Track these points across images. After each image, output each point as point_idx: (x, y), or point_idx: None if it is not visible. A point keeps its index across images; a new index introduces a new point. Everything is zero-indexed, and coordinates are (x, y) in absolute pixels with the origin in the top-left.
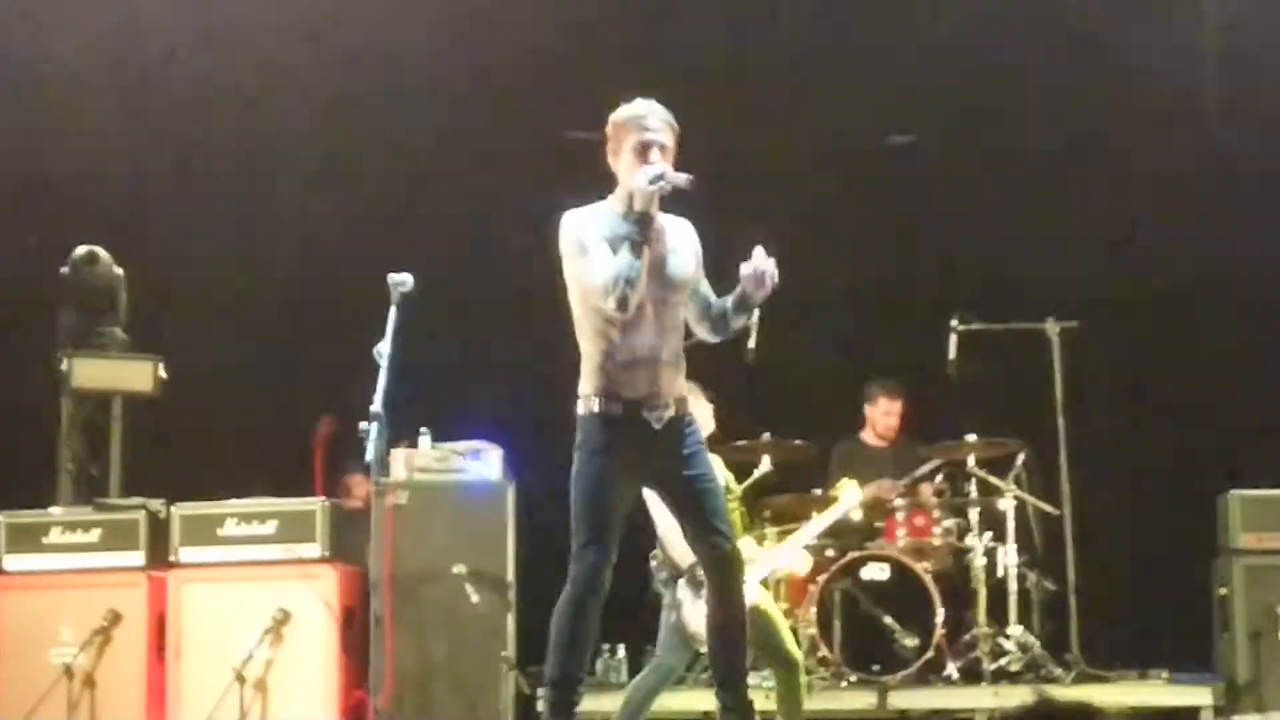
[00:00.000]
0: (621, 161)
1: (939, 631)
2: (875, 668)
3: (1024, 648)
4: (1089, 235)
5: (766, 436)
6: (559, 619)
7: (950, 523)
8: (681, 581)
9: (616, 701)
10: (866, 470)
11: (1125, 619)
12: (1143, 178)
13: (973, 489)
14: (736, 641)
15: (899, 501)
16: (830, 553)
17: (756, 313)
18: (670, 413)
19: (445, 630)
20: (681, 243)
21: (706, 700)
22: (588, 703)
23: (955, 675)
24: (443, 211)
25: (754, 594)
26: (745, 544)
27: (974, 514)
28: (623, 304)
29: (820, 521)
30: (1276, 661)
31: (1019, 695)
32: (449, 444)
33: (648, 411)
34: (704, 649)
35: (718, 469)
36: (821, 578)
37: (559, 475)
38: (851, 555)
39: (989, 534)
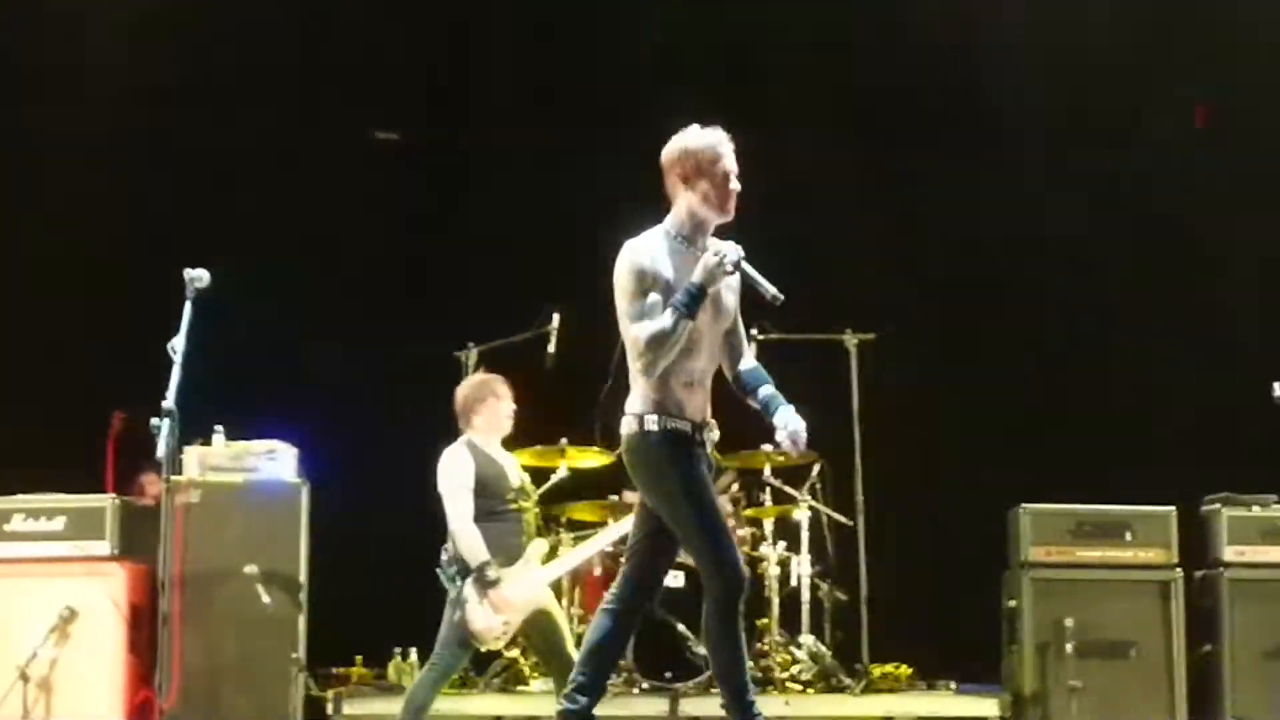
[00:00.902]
0: (696, 189)
1: None
2: (667, 675)
3: (815, 657)
4: (887, 246)
5: (564, 442)
6: (726, 632)
7: (744, 532)
8: (470, 579)
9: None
10: None
11: (917, 630)
12: (939, 192)
13: (768, 498)
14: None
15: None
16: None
17: (556, 317)
18: (715, 438)
19: (235, 630)
20: (731, 278)
21: (499, 705)
22: (377, 705)
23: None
24: (244, 208)
25: (540, 597)
26: (537, 546)
27: (768, 523)
28: (651, 367)
29: (620, 528)
30: (1062, 674)
31: (810, 704)
32: (244, 443)
33: (701, 434)
34: (484, 648)
35: (514, 471)
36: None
37: (354, 476)
38: None
39: (783, 543)
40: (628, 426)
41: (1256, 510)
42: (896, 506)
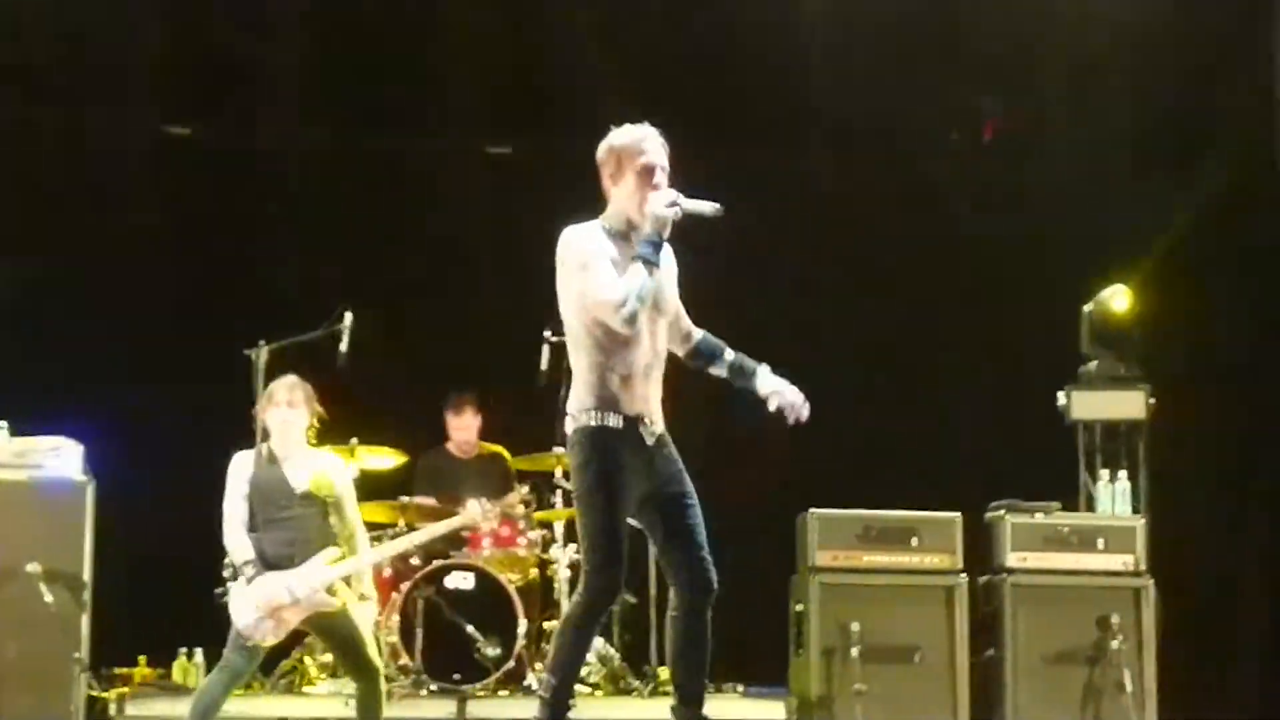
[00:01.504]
0: (622, 186)
1: (521, 642)
2: (456, 677)
3: (604, 660)
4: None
5: (354, 442)
6: (574, 633)
7: (536, 534)
8: (238, 580)
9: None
10: (451, 481)
11: None
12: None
13: (559, 501)
14: (700, 664)
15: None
16: (414, 561)
17: (348, 316)
18: (659, 429)
19: (17, 629)
20: (668, 268)
21: (283, 706)
22: (160, 706)
23: (535, 685)
24: (30, 202)
25: (319, 599)
26: (326, 552)
27: (560, 526)
28: (631, 320)
29: (430, 531)
30: (848, 678)
31: (598, 707)
32: (28, 439)
33: (642, 426)
34: (251, 644)
35: (305, 475)
36: (405, 585)
37: (141, 475)
38: (436, 563)
39: (574, 546)
40: (566, 425)
41: (1039, 517)
42: None
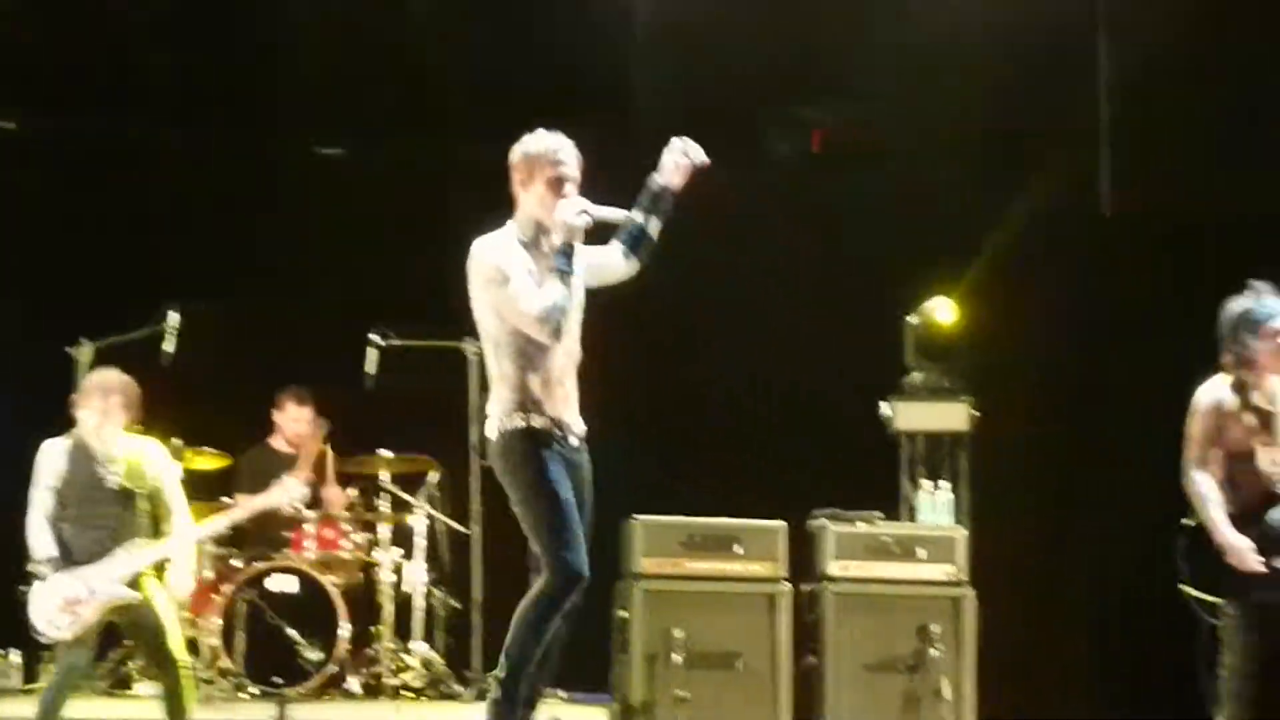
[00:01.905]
0: (532, 193)
1: (343, 645)
2: (277, 680)
3: (426, 664)
4: None
5: (178, 443)
6: (538, 620)
7: (360, 537)
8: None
9: (17, 707)
10: (277, 479)
11: None
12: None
13: (384, 504)
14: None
15: (309, 514)
16: (237, 562)
17: (174, 315)
18: (580, 431)
19: None
20: (579, 268)
21: (103, 708)
22: None
23: (357, 689)
24: None
25: (118, 593)
26: (131, 546)
27: (384, 529)
28: (556, 333)
29: (244, 508)
30: (670, 684)
31: (420, 711)
32: None
33: (564, 430)
34: (44, 639)
35: (118, 470)
36: (227, 587)
37: None
38: (258, 565)
39: (398, 550)
40: (488, 430)
41: (862, 526)
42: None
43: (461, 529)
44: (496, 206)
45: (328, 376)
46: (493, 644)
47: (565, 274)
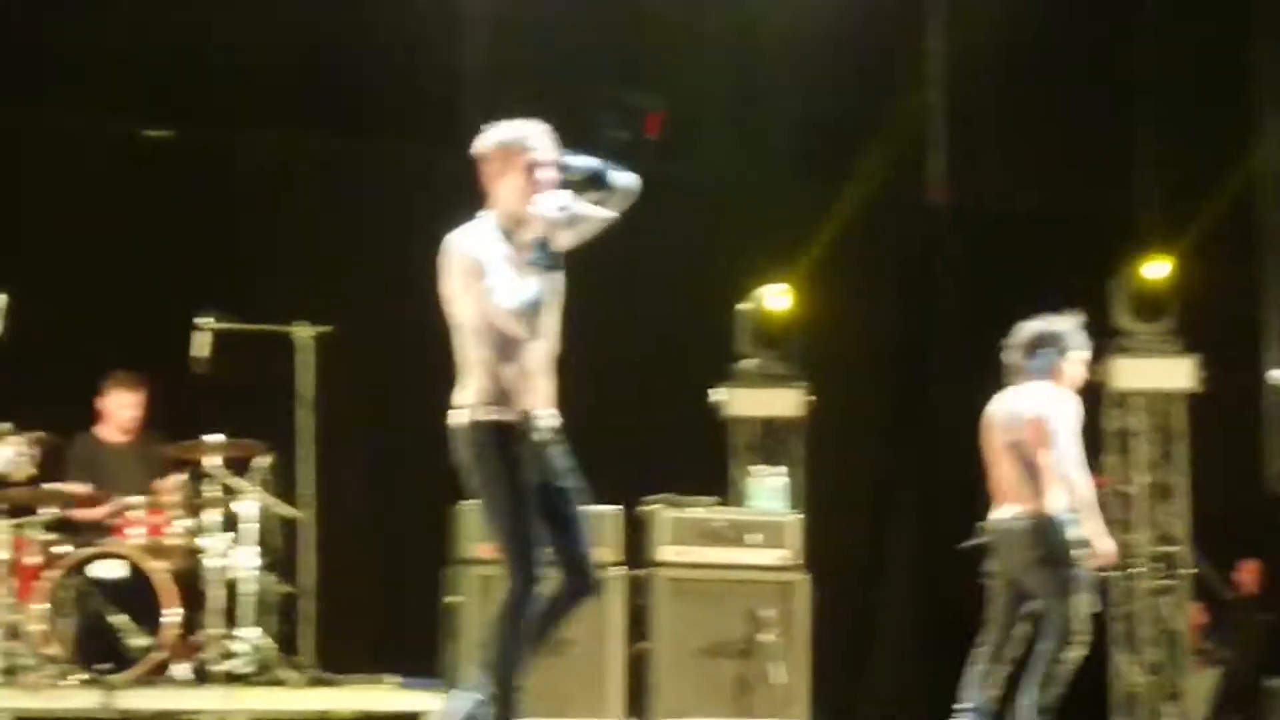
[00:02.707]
0: (507, 183)
1: (171, 631)
2: (104, 667)
3: (255, 649)
4: (344, 238)
5: (7, 426)
6: (511, 629)
7: (189, 522)
8: None
9: None
10: (106, 467)
11: (362, 624)
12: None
13: (214, 489)
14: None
15: (137, 499)
16: (65, 547)
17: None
18: (552, 423)
19: None
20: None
21: None
22: None
23: (185, 676)
24: None
25: None
26: None
27: (213, 514)
28: (531, 328)
29: None
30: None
31: (249, 697)
32: None
33: (535, 420)
34: None
35: None
36: (53, 572)
37: None
38: (84, 550)
39: (228, 535)
40: (453, 419)
41: (695, 512)
42: (344, 500)
43: (292, 513)
44: (333, 194)
45: (157, 361)
46: (323, 629)
47: (542, 269)
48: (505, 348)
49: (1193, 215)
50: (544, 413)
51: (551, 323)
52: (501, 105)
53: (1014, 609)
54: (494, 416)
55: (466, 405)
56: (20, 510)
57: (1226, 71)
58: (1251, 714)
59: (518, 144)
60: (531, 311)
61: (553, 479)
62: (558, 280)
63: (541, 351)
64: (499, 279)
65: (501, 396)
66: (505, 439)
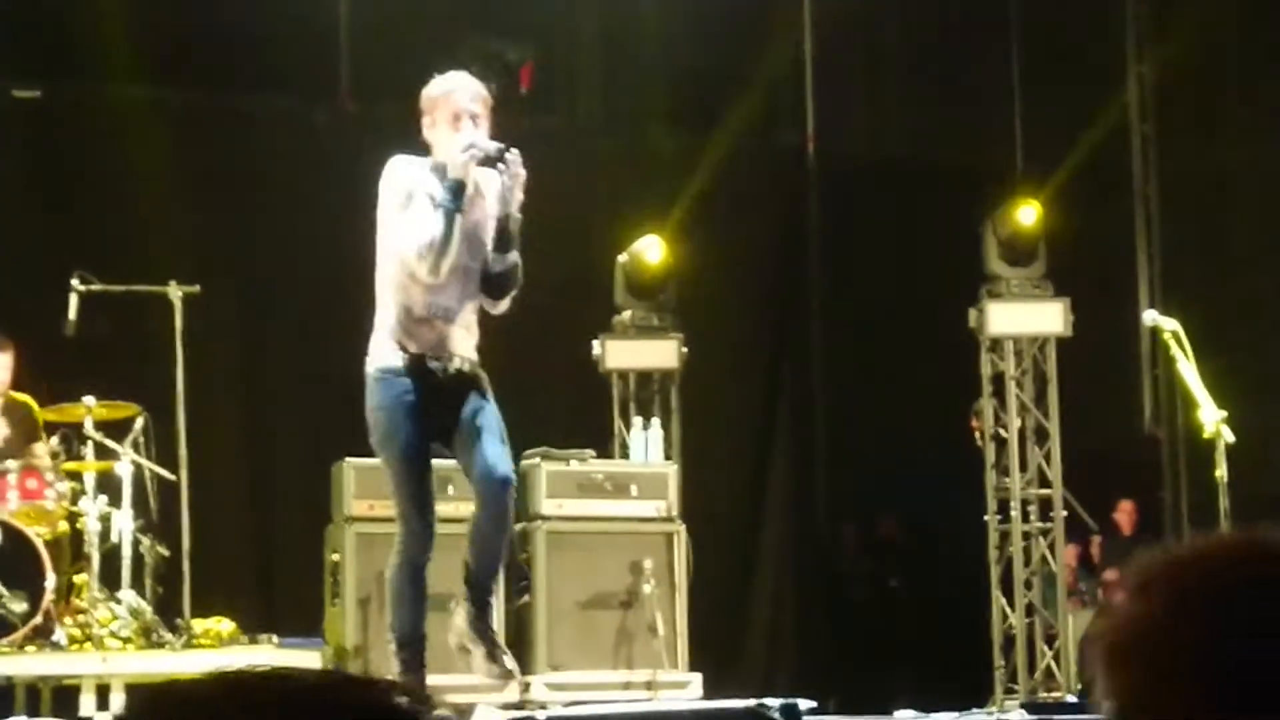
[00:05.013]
0: (436, 132)
1: (49, 596)
2: None
3: (135, 613)
4: (215, 197)
5: None
6: (399, 583)
7: (64, 486)
8: None
9: None
10: None
11: (240, 584)
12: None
13: (89, 452)
14: (491, 551)
15: (11, 463)
16: None
17: None
18: (457, 366)
19: None
20: (494, 210)
21: None
22: None
23: (64, 641)
24: None
25: None
26: None
27: (89, 477)
28: (435, 270)
29: None
30: (384, 628)
31: (129, 661)
32: None
33: (433, 361)
34: None
35: None
36: None
37: None
38: None
39: (104, 498)
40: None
41: (574, 465)
42: (221, 461)
43: (168, 475)
44: (204, 151)
45: (27, 323)
46: (201, 591)
47: (450, 210)
48: (409, 291)
49: (1063, 160)
50: (447, 354)
51: (471, 275)
52: (373, 60)
53: None
54: (384, 363)
55: (369, 352)
56: None
57: (1095, 14)
58: None
59: (442, 95)
60: (435, 251)
61: (459, 414)
62: (480, 229)
63: (449, 301)
64: (414, 219)
65: (397, 341)
66: (392, 384)
